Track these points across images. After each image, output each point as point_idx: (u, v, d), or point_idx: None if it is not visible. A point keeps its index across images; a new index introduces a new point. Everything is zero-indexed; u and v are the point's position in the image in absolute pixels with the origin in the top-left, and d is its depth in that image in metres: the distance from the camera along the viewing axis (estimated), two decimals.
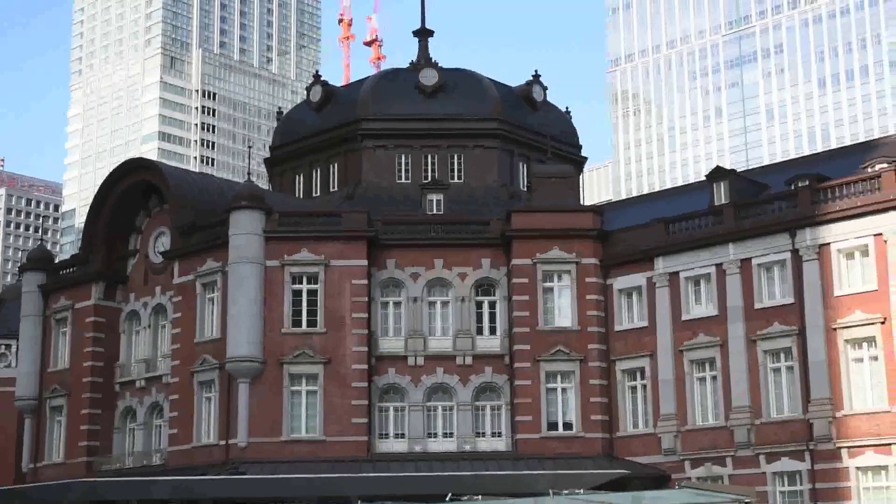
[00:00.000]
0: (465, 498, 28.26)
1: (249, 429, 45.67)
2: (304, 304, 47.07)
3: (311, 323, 46.90)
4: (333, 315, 46.84)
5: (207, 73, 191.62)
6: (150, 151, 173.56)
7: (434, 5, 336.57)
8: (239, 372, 45.98)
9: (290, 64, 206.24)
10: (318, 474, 43.43)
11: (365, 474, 43.37)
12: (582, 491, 25.84)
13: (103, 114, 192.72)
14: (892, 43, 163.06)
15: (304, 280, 47.28)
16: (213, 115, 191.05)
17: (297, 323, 46.90)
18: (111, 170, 55.57)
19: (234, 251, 46.63)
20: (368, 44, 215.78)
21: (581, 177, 60.53)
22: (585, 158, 60.56)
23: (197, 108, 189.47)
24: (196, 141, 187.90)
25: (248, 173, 53.16)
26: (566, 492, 24.83)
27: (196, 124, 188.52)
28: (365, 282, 47.32)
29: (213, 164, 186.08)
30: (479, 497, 28.62)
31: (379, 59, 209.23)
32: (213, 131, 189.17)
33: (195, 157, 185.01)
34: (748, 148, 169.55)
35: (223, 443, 46.17)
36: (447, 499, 28.25)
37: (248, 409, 45.76)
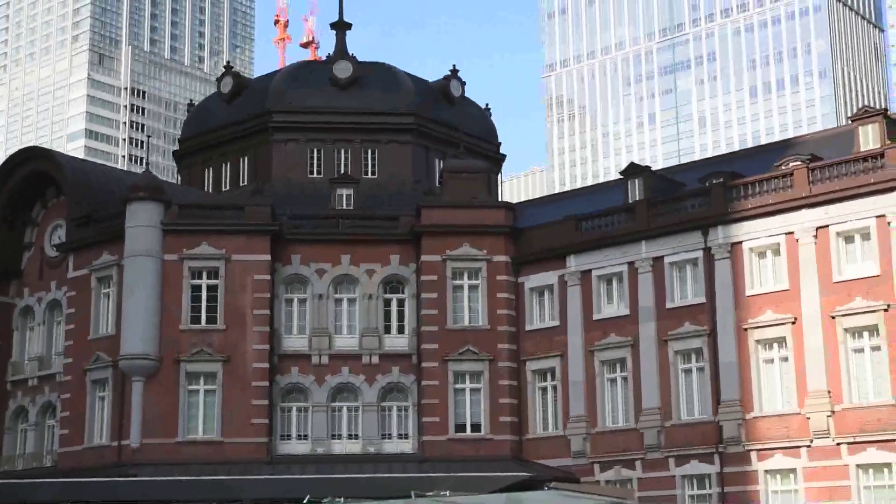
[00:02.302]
0: (327, 500, 26.84)
1: (143, 429, 43.74)
2: (204, 299, 45.24)
3: (211, 319, 45.10)
4: (234, 312, 45.09)
5: (137, 70, 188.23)
6: (77, 149, 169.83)
7: (374, 8, 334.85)
8: (133, 370, 44.05)
9: (222, 63, 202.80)
10: (213, 476, 41.65)
11: (260, 476, 41.67)
12: (448, 493, 24.55)
13: (28, 110, 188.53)
14: (822, 53, 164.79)
15: (204, 275, 45.47)
16: (143, 113, 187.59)
17: (195, 319, 45.07)
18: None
19: (130, 244, 44.70)
20: (305, 45, 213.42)
21: (500, 177, 59.35)
22: (504, 156, 59.31)
23: (126, 106, 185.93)
24: (125, 139, 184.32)
25: (147, 163, 51.14)
26: (430, 493, 23.54)
27: (125, 122, 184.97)
28: (268, 278, 45.63)
29: (141, 164, 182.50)
30: (342, 499, 27.22)
31: (316, 60, 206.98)
32: (143, 130, 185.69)
33: (123, 156, 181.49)
34: (681, 154, 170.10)
35: (115, 444, 44.21)
36: (304, 501, 26.81)
37: (141, 409, 43.84)
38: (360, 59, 56.65)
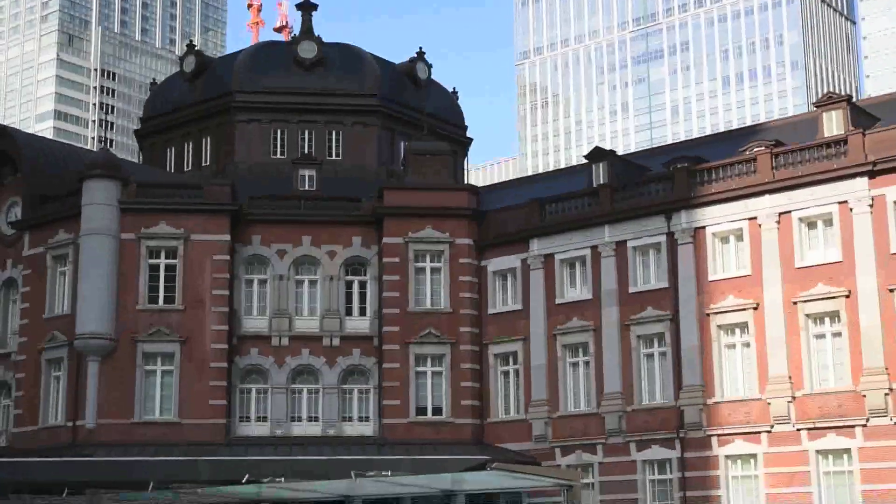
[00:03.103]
0: (267, 480, 26.42)
1: (98, 410, 43.09)
2: (162, 279, 44.59)
3: (169, 300, 44.47)
4: (192, 292, 44.48)
5: (107, 52, 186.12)
6: (46, 130, 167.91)
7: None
8: (88, 349, 43.38)
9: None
10: (169, 457, 41.14)
11: (216, 458, 41.15)
12: (390, 472, 24.16)
13: None
14: (794, 44, 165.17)
15: (162, 254, 44.80)
16: (112, 95, 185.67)
17: (153, 299, 44.42)
18: None
19: (86, 222, 43.98)
20: (279, 30, 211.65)
21: (467, 163, 58.97)
22: (471, 139, 58.85)
23: (95, 87, 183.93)
24: (94, 121, 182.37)
25: (104, 140, 50.31)
26: (371, 473, 23.16)
27: (94, 104, 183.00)
28: (227, 258, 45.03)
29: (112, 145, 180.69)
30: (282, 479, 26.81)
31: (280, 41, 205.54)
32: (113, 112, 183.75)
33: (92, 138, 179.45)
34: (654, 144, 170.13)
35: (71, 424, 43.55)
36: (243, 481, 26.36)
37: (97, 390, 43.20)
38: (330, 41, 56.02)
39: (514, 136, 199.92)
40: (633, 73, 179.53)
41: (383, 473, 23.36)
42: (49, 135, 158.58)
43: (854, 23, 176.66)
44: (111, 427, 43.02)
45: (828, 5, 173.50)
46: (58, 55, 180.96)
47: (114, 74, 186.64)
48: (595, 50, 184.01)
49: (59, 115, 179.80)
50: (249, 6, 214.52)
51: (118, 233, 44.23)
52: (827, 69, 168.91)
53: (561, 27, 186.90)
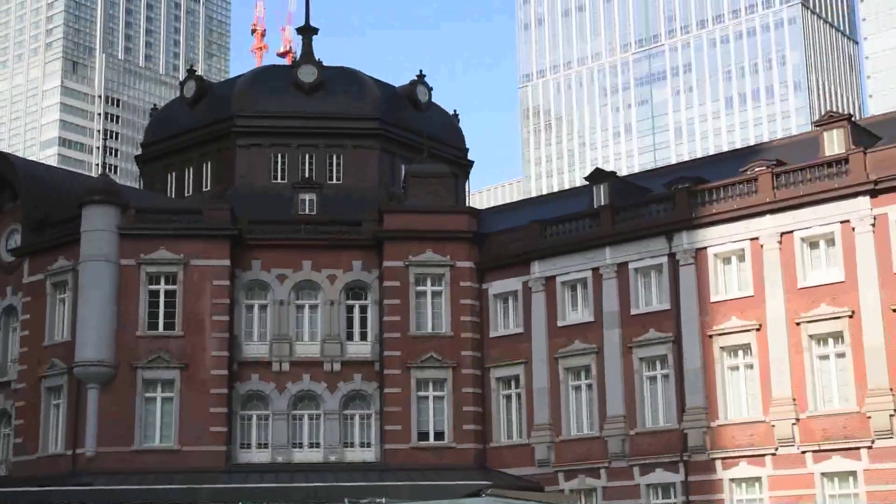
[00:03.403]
0: None
1: (98, 437, 42.77)
2: (162, 305, 44.38)
3: (169, 325, 44.24)
4: (192, 317, 44.24)
5: (111, 78, 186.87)
6: (50, 157, 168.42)
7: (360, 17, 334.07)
8: (88, 377, 43.12)
9: (197, 73, 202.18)
10: (169, 485, 40.81)
11: (217, 485, 40.83)
12: (384, 500, 23.82)
13: (1, 118, 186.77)
14: (796, 64, 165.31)
15: (162, 280, 44.61)
16: (117, 121, 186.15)
17: (153, 325, 44.21)
18: None
19: (86, 248, 43.81)
20: (282, 55, 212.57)
21: (468, 186, 58.67)
22: (472, 162, 58.68)
23: (99, 114, 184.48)
24: (98, 147, 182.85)
25: (104, 166, 50.20)
26: (365, 501, 22.82)
27: (98, 130, 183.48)
28: (227, 283, 44.82)
29: (116, 172, 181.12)
30: None
31: (281, 65, 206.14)
32: (117, 138, 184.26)
33: (97, 164, 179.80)
34: (657, 165, 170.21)
35: (70, 452, 43.24)
36: None
37: (97, 417, 42.88)
38: (331, 62, 56.07)
39: (518, 159, 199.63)
40: (636, 94, 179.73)
41: (377, 501, 23.02)
42: (53, 162, 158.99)
43: (856, 42, 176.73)
44: (111, 455, 42.71)
45: (830, 25, 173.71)
46: (62, 82, 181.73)
47: (118, 101, 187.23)
48: (598, 72, 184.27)
49: (63, 141, 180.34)
50: (253, 31, 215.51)
51: (117, 259, 44.06)
52: (830, 89, 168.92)
53: (563, 49, 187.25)
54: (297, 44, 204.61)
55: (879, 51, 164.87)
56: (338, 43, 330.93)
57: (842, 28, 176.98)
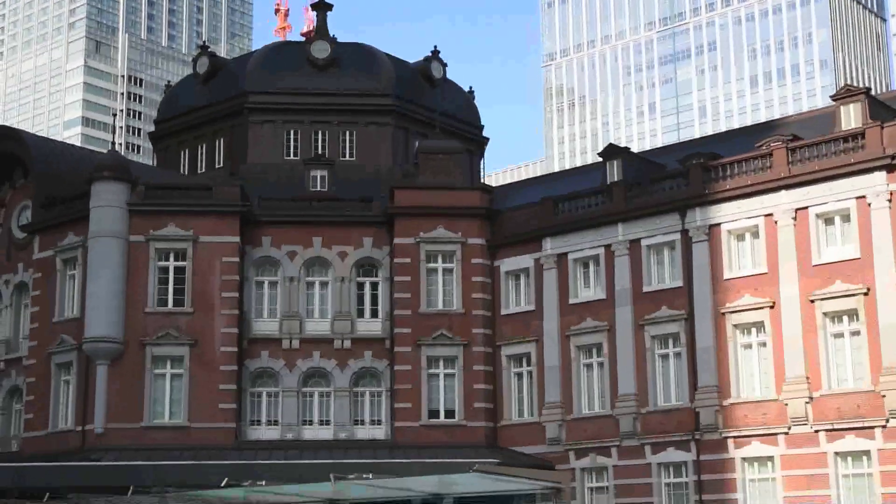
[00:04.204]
0: (247, 483, 25.85)
1: (108, 414, 42.78)
2: (171, 282, 44.26)
3: (178, 302, 44.12)
4: (202, 294, 44.09)
5: (134, 58, 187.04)
6: (74, 137, 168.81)
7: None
8: (97, 353, 43.08)
9: (220, 52, 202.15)
10: (178, 461, 40.72)
11: (226, 462, 40.64)
12: (370, 475, 23.57)
13: (25, 97, 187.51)
14: (823, 42, 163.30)
15: (171, 257, 44.48)
16: (140, 101, 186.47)
17: (162, 302, 44.10)
18: None
19: (95, 225, 43.70)
20: (305, 35, 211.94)
21: (483, 164, 58.17)
22: (487, 139, 58.17)
23: (122, 93, 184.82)
24: (122, 127, 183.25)
25: (113, 143, 50.05)
26: (352, 476, 22.59)
27: (122, 110, 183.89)
28: (236, 260, 44.61)
29: (139, 151, 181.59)
30: (263, 483, 26.22)
31: (294, 42, 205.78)
32: (140, 118, 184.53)
33: (120, 144, 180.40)
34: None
35: (79, 429, 43.26)
36: (222, 485, 25.84)
37: (106, 394, 42.88)
38: (346, 41, 55.59)
39: (541, 140, 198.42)
40: (660, 73, 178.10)
41: (364, 476, 22.75)
42: (77, 141, 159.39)
43: (884, 20, 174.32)
44: (120, 431, 42.71)
45: (857, 2, 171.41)
46: (85, 62, 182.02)
47: (141, 81, 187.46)
48: (622, 51, 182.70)
49: (86, 121, 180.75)
50: (276, 11, 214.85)
51: (127, 235, 43.94)
52: (856, 67, 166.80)
53: (587, 28, 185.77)
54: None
55: None
56: (357, 19, 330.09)
57: (869, 5, 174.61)
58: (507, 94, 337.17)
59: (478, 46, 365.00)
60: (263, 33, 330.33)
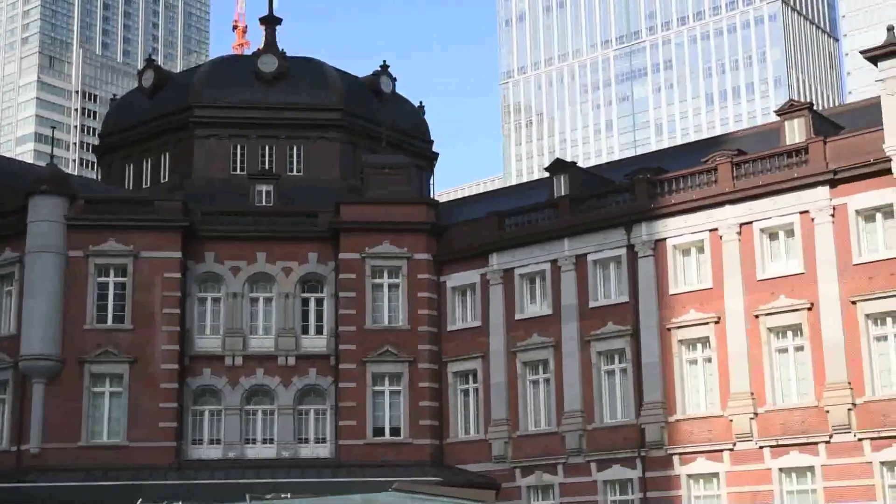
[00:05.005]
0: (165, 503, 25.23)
1: (44, 433, 41.76)
2: (111, 298, 43.42)
3: (118, 319, 43.28)
4: (142, 311, 43.28)
5: (88, 73, 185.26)
6: (26, 153, 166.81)
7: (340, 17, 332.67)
8: (34, 371, 42.11)
9: (176, 69, 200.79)
10: (117, 482, 39.84)
11: (166, 482, 39.89)
12: (289, 495, 23.02)
13: None
14: (777, 61, 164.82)
15: (111, 272, 43.64)
16: (94, 117, 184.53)
17: (101, 319, 43.22)
18: None
19: (32, 240, 42.78)
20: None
21: (433, 178, 57.79)
22: (437, 154, 57.81)
23: (77, 109, 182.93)
24: (75, 143, 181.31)
25: (52, 156, 49.10)
26: (269, 496, 22.04)
27: (76, 126, 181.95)
28: (178, 275, 43.86)
29: (93, 167, 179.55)
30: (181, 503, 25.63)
31: (241, 55, 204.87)
32: (94, 134, 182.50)
33: (74, 160, 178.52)
34: None
35: (14, 449, 42.21)
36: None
37: (42, 413, 41.88)
38: (295, 55, 55.08)
39: (499, 157, 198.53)
40: (616, 91, 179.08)
41: (282, 496, 22.19)
42: (29, 157, 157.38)
43: (837, 39, 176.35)
44: (57, 451, 41.72)
45: (810, 22, 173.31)
46: (38, 77, 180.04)
47: (95, 96, 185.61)
48: (579, 68, 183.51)
49: (39, 137, 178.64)
50: (234, 28, 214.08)
51: (65, 250, 43.08)
52: (810, 85, 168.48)
53: (545, 46, 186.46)
54: (279, 41, 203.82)
55: (859, 48, 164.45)
56: (313, 34, 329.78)
57: (822, 25, 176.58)
58: (465, 112, 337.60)
59: (435, 64, 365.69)
60: (221, 50, 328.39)
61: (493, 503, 18.90)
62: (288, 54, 55.11)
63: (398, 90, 57.21)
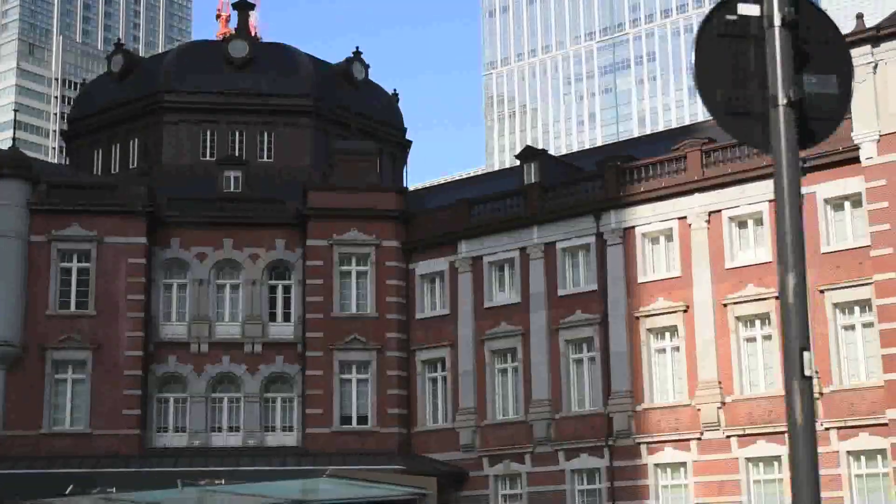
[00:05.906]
0: (96, 491, 24.81)
1: (5, 421, 41.24)
2: (74, 284, 42.87)
3: (81, 305, 42.75)
4: (106, 297, 42.74)
5: (69, 61, 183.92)
6: (5, 141, 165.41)
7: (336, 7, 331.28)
8: None
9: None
10: (79, 469, 39.32)
11: (129, 469, 39.40)
12: (223, 481, 22.62)
13: None
14: None
15: (74, 258, 43.09)
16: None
17: (64, 305, 42.68)
18: None
19: None
20: None
21: (406, 167, 57.33)
22: (410, 142, 57.32)
23: (57, 97, 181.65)
24: (55, 131, 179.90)
25: (14, 139, 48.43)
26: (203, 482, 21.62)
27: (55, 114, 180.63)
28: (143, 261, 43.33)
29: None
30: (113, 490, 25.18)
31: (211, 40, 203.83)
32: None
33: (53, 148, 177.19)
34: None
35: None
36: (67, 492, 24.76)
37: (3, 400, 41.35)
38: (266, 41, 54.54)
39: (481, 149, 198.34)
40: (600, 83, 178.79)
41: (216, 482, 21.76)
42: (8, 145, 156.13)
43: None
44: (18, 439, 41.18)
45: None
46: (18, 64, 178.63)
47: (75, 84, 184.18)
48: (562, 60, 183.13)
49: (19, 124, 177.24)
50: (218, 17, 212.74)
51: (27, 235, 42.48)
52: None
53: (528, 38, 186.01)
54: (263, 30, 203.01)
55: None
56: (297, 20, 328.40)
57: None
58: (448, 103, 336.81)
59: (418, 54, 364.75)
60: (205, 38, 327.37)
61: (433, 490, 18.45)
62: (265, 40, 54.55)
63: (378, 78, 56.99)
